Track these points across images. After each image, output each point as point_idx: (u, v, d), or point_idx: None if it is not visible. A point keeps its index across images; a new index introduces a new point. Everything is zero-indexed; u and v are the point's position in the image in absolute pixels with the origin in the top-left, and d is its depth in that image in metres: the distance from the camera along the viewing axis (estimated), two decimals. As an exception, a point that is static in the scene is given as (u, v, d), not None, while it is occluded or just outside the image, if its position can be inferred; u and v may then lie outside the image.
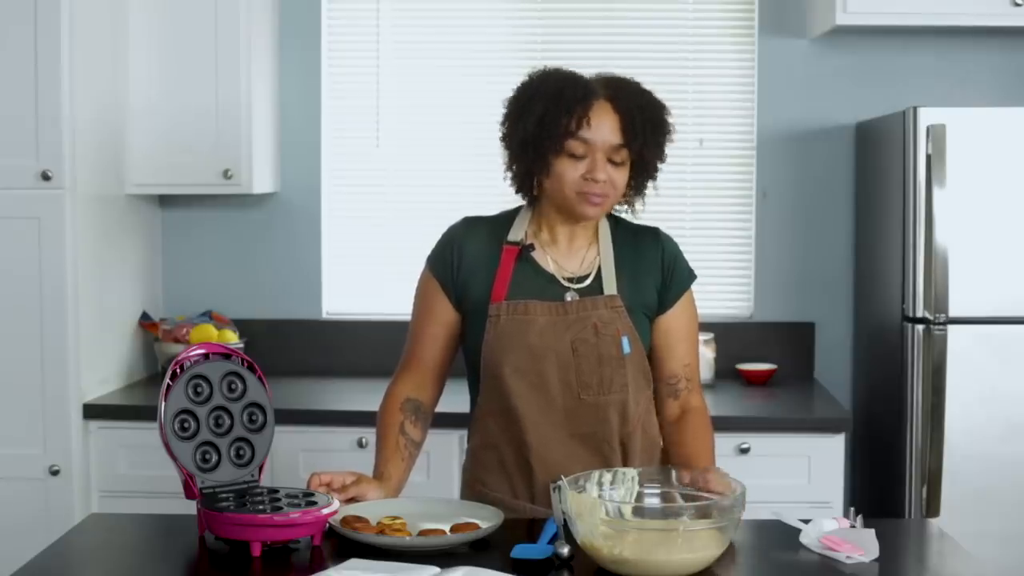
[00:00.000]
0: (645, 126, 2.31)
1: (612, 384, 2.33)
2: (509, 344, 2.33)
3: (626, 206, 2.44)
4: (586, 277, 2.38)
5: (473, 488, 2.44)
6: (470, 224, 2.46)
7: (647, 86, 2.38)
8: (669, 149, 2.39)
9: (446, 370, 2.47)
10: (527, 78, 2.37)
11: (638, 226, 2.47)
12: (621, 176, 2.32)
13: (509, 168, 2.39)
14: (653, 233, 2.46)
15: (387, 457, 2.34)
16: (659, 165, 2.38)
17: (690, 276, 2.46)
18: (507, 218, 2.45)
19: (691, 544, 1.93)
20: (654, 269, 2.40)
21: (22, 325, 3.45)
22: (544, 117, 2.29)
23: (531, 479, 2.35)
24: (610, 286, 2.36)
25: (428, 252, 2.47)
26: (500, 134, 2.38)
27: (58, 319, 3.45)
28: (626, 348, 2.34)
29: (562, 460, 2.33)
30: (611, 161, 2.30)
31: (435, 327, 2.43)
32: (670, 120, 2.37)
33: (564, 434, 2.34)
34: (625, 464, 2.34)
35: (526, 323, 2.33)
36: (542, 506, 2.33)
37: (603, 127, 2.29)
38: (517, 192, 2.42)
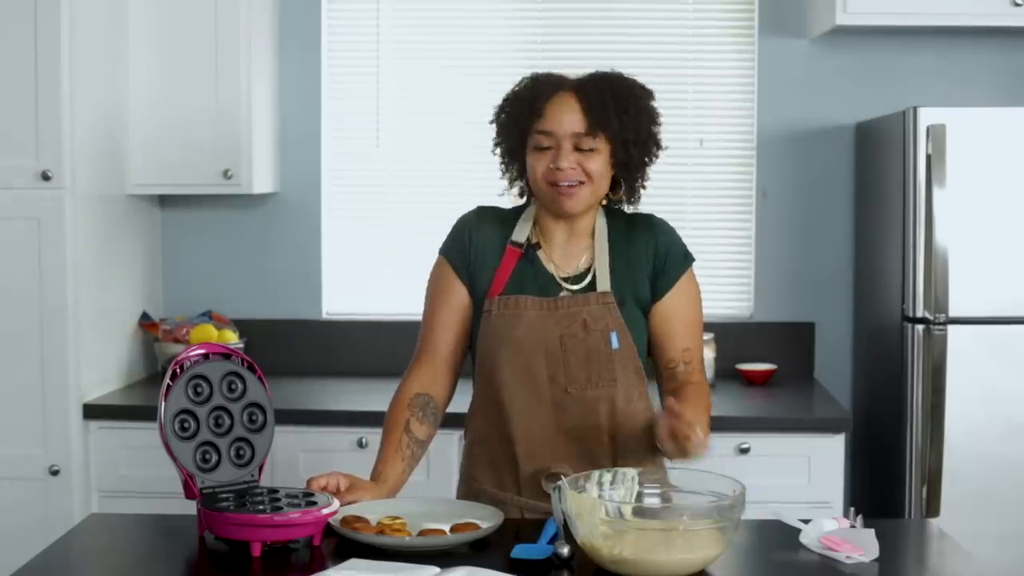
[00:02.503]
0: (609, 108, 2.29)
1: (600, 379, 2.32)
2: (499, 338, 2.34)
3: (622, 199, 2.43)
4: (583, 277, 2.38)
5: (466, 483, 2.45)
6: (482, 214, 2.47)
7: (638, 77, 2.39)
8: (665, 141, 2.40)
9: (459, 362, 2.46)
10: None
11: (632, 215, 2.46)
12: (594, 163, 2.31)
13: (503, 175, 2.45)
14: (646, 221, 2.44)
15: (386, 458, 2.33)
16: (648, 150, 2.36)
17: (686, 260, 2.42)
18: (516, 213, 2.46)
19: (691, 544, 1.93)
20: (646, 257, 2.38)
21: (22, 325, 3.45)
22: (509, 118, 2.36)
23: (517, 473, 2.36)
24: (603, 283, 2.35)
25: (433, 246, 2.48)
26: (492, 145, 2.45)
27: (58, 319, 3.45)
28: (614, 343, 2.32)
29: (548, 454, 2.33)
30: (580, 149, 2.30)
31: (448, 313, 2.42)
32: (653, 104, 2.37)
33: (552, 428, 2.34)
34: (615, 461, 2.33)
35: (516, 317, 2.34)
36: (528, 498, 2.34)
37: (562, 116, 2.30)
38: (520, 196, 2.46)
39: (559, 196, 2.32)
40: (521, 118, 2.34)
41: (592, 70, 2.39)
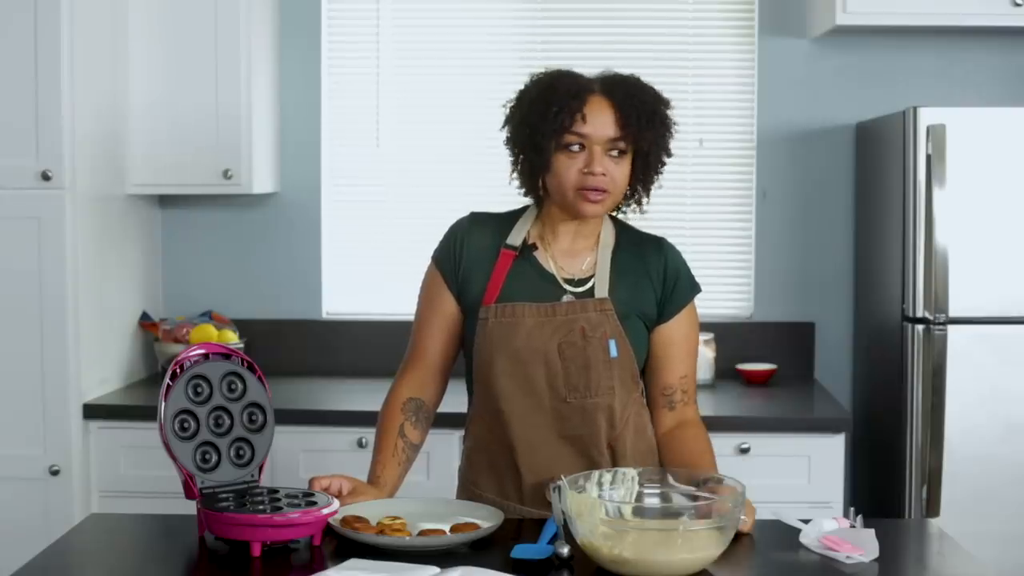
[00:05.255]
0: (642, 117, 2.28)
1: (599, 387, 2.33)
2: (497, 347, 2.33)
3: (632, 205, 2.42)
4: (586, 280, 2.37)
5: (467, 489, 2.45)
6: (475, 220, 2.45)
7: (648, 82, 2.36)
8: (670, 146, 2.38)
9: (449, 367, 2.46)
10: (528, 80, 2.37)
11: (643, 234, 2.46)
12: (621, 171, 2.30)
13: (514, 169, 2.40)
14: (657, 243, 2.44)
15: (383, 462, 2.34)
16: (663, 159, 2.36)
17: (693, 289, 2.44)
18: (512, 218, 2.44)
19: (691, 544, 1.93)
20: (655, 278, 2.39)
21: (22, 325, 3.45)
22: (542, 114, 2.29)
23: (519, 480, 2.36)
24: (602, 289, 2.35)
25: (432, 249, 2.47)
26: (504, 137, 2.38)
27: (58, 319, 3.45)
28: (613, 351, 2.33)
29: (549, 462, 2.33)
30: (609, 155, 2.29)
31: (438, 320, 2.42)
32: (670, 113, 2.35)
33: (552, 436, 2.34)
34: (615, 467, 2.32)
35: (513, 326, 2.33)
36: (531, 507, 2.35)
37: (598, 120, 2.27)
38: (525, 193, 2.42)
39: (586, 203, 2.29)
40: (552, 116, 2.27)
41: (606, 70, 2.36)
